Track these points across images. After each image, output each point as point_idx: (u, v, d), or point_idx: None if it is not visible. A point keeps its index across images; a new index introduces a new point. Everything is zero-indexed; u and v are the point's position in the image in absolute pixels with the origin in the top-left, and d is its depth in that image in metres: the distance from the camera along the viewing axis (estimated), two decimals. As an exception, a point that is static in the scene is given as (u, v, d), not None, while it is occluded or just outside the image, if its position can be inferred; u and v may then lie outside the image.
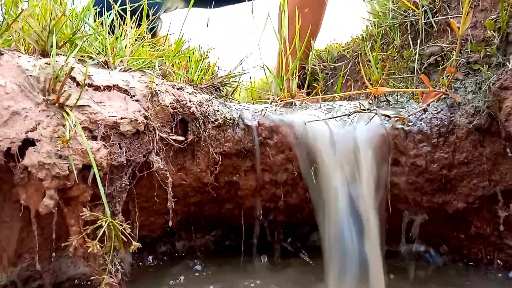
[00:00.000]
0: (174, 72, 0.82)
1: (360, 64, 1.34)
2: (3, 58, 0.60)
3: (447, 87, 0.73)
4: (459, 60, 0.73)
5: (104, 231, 0.55)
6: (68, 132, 0.55)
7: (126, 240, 0.57)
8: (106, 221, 0.54)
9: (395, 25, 1.12)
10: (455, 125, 0.70)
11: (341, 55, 1.69)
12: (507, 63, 0.61)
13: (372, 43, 1.38)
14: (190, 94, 0.76)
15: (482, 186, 0.71)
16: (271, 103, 0.94)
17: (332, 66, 1.65)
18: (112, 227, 0.55)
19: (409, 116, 0.73)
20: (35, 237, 0.62)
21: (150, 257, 0.96)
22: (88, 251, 0.55)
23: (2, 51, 0.61)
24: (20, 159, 0.56)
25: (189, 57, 0.97)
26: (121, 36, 0.78)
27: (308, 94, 1.71)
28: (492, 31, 0.67)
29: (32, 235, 0.70)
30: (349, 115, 0.72)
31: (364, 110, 0.72)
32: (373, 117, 0.70)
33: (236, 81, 1.15)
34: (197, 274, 0.91)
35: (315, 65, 1.88)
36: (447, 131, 0.70)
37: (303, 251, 0.93)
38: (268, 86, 1.86)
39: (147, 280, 0.85)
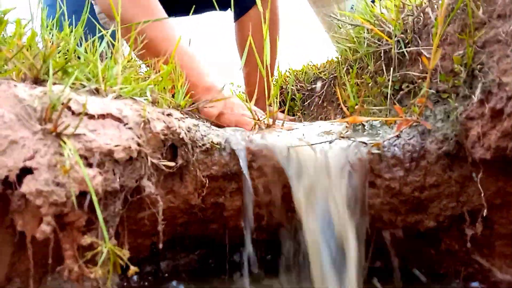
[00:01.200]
0: (162, 97, 0.86)
1: (336, 87, 1.41)
2: (0, 88, 0.63)
3: (418, 115, 0.79)
4: (429, 90, 0.79)
5: (101, 256, 0.57)
6: (67, 161, 0.57)
7: (123, 264, 0.59)
8: (105, 247, 0.57)
9: (369, 52, 1.18)
10: (426, 150, 0.76)
11: (317, 77, 1.75)
12: (473, 96, 0.67)
13: (347, 66, 1.45)
14: (179, 120, 0.79)
15: (451, 206, 0.77)
16: (254, 126, 0.99)
17: (309, 88, 1.71)
18: (110, 253, 0.57)
19: (383, 141, 0.78)
20: (29, 261, 0.64)
21: (135, 277, 0.98)
22: (90, 276, 0.57)
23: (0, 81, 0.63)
24: (17, 186, 0.58)
25: (175, 80, 1.01)
26: (111, 62, 0.81)
27: (287, 112, 1.77)
28: (459, 65, 0.74)
29: (24, 259, 0.72)
30: (330, 142, 0.77)
31: (343, 137, 0.78)
32: (351, 144, 0.76)
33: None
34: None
35: (292, 86, 1.94)
36: (419, 156, 0.76)
37: (287, 269, 0.96)
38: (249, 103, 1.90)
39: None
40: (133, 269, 0.57)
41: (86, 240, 0.59)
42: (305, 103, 1.85)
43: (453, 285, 0.90)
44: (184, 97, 0.98)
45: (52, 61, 0.72)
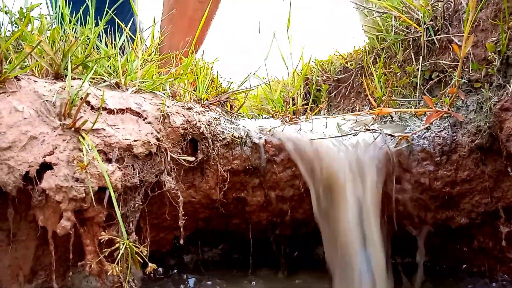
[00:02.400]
0: (183, 89, 0.85)
1: (363, 78, 1.36)
2: (20, 84, 0.63)
3: (449, 106, 0.75)
4: (461, 80, 0.75)
5: (120, 252, 0.57)
6: (85, 157, 0.57)
7: (141, 260, 0.59)
8: (123, 244, 0.56)
9: (397, 41, 1.14)
10: (457, 143, 0.72)
11: (343, 67, 1.71)
12: (508, 85, 0.63)
13: (374, 56, 1.40)
14: (199, 113, 0.78)
15: (484, 202, 0.73)
16: (277, 119, 0.97)
17: (335, 78, 1.67)
18: (129, 249, 0.57)
19: (412, 134, 0.75)
20: (51, 256, 0.64)
21: (161, 269, 0.98)
22: (109, 273, 0.57)
23: (19, 77, 0.63)
24: (38, 182, 0.58)
25: (197, 75, 1.00)
26: (131, 56, 0.80)
27: (305, 105, 1.74)
28: (492, 53, 0.69)
29: (47, 253, 0.72)
30: (355, 134, 0.74)
31: (369, 129, 0.74)
32: (377, 136, 0.72)
33: (241, 96, 1.18)
34: (204, 286, 0.93)
35: (318, 76, 1.90)
36: (450, 150, 0.72)
37: (309, 264, 0.95)
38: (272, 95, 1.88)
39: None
40: (151, 266, 0.57)
41: (104, 237, 0.59)
42: (332, 94, 1.81)
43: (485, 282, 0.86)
44: (207, 90, 0.97)
45: (73, 56, 0.72)
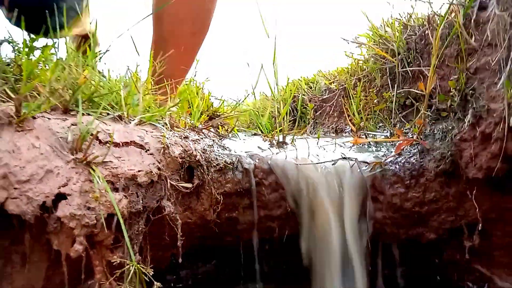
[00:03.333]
0: (180, 120, 0.93)
1: (345, 101, 1.46)
2: (36, 122, 0.70)
3: (418, 135, 0.85)
4: (429, 110, 0.84)
5: (129, 273, 0.64)
6: (97, 187, 0.65)
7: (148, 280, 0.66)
8: (132, 265, 0.64)
9: (376, 69, 1.23)
10: (425, 168, 0.81)
11: (327, 87, 1.81)
12: (465, 119, 0.72)
13: (355, 79, 1.50)
14: (194, 142, 0.86)
15: (449, 220, 0.82)
16: (266, 141, 1.05)
17: (320, 99, 1.76)
18: (136, 269, 0.64)
19: (385, 160, 0.84)
20: (63, 275, 0.72)
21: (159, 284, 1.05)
22: (118, 290, 0.65)
23: (35, 116, 0.71)
24: (54, 211, 0.66)
25: (191, 102, 1.08)
26: (132, 90, 0.88)
27: (294, 120, 1.83)
28: (454, 89, 0.79)
29: (57, 273, 0.79)
30: (334, 163, 0.83)
31: (345, 158, 0.83)
32: (353, 164, 0.81)
33: (232, 116, 1.27)
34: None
35: (304, 95, 2.00)
36: (418, 174, 0.81)
37: (296, 276, 1.03)
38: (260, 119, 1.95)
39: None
40: (156, 284, 0.64)
41: (116, 260, 0.67)
42: (317, 112, 1.91)
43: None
44: (200, 116, 1.06)
45: (80, 93, 0.80)
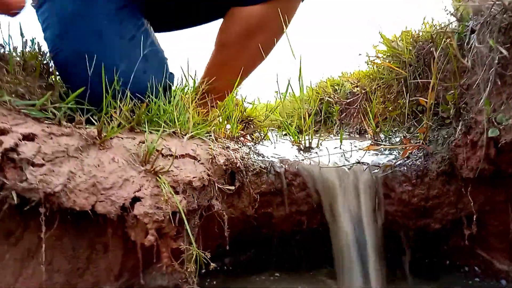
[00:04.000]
0: (220, 131, 1.12)
1: (366, 105, 1.61)
2: (113, 142, 0.91)
3: (423, 140, 1.00)
4: (436, 114, 1.00)
5: (191, 257, 0.83)
6: (164, 192, 0.84)
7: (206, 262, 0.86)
8: (193, 251, 0.83)
9: (392, 78, 1.38)
10: (428, 169, 0.96)
11: (351, 91, 1.96)
12: (458, 129, 0.88)
13: (376, 85, 1.65)
14: (234, 151, 1.05)
15: (451, 212, 0.98)
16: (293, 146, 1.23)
17: (344, 102, 1.91)
18: (197, 254, 0.84)
19: (395, 163, 1.00)
20: (138, 261, 0.92)
21: (203, 270, 1.25)
22: (182, 271, 0.84)
23: (112, 137, 0.91)
24: (131, 210, 0.86)
25: (230, 114, 1.27)
26: (183, 110, 1.08)
27: (320, 121, 1.99)
28: (451, 102, 0.94)
29: (130, 260, 1.00)
30: (350, 167, 0.99)
31: (359, 162, 1.00)
32: (366, 168, 0.98)
33: (264, 125, 1.45)
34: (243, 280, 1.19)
35: (330, 97, 2.16)
36: (423, 174, 0.96)
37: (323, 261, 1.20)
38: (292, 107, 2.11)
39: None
40: (212, 265, 0.83)
41: (178, 246, 0.86)
42: (343, 114, 2.06)
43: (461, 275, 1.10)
44: (237, 127, 1.24)
45: (142, 115, 1.00)
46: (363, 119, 1.58)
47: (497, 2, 0.77)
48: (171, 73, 1.25)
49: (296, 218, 1.13)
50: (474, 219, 0.93)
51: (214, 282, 1.18)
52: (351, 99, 1.94)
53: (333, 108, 2.12)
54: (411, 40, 1.28)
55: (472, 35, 0.80)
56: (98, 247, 0.96)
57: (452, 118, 0.93)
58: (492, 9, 0.78)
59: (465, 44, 0.91)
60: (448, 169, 0.94)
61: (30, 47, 1.20)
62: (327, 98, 2.15)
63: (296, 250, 1.22)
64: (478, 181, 0.90)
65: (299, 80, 1.23)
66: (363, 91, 1.83)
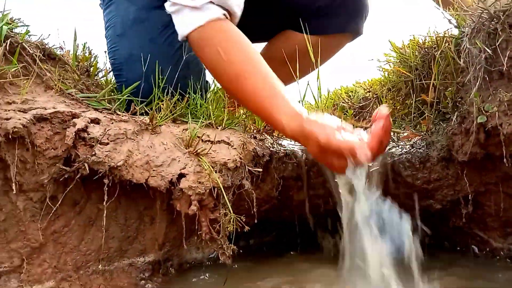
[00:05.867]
0: (250, 126, 1.29)
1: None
2: (162, 128, 1.08)
3: (426, 131, 1.15)
4: (438, 110, 1.15)
5: (229, 219, 1.00)
6: (205, 170, 1.01)
7: (241, 225, 1.02)
8: (231, 216, 1.00)
9: (400, 81, 1.54)
10: (430, 156, 1.11)
11: (364, 96, 2.12)
12: (454, 119, 1.03)
13: (387, 89, 1.80)
14: (260, 141, 1.22)
15: (450, 194, 1.12)
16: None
17: (357, 106, 2.07)
18: (234, 219, 1.00)
19: (402, 152, 1.15)
20: (180, 231, 1.08)
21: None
22: (219, 237, 1.00)
23: (161, 125, 1.09)
24: (177, 184, 1.02)
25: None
26: (216, 105, 1.25)
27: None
28: (449, 97, 1.09)
29: (172, 231, 1.17)
30: (362, 152, 1.14)
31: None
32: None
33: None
34: (266, 264, 1.34)
35: (344, 102, 2.31)
36: (425, 160, 1.12)
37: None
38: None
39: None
40: (246, 228, 1.00)
41: (215, 216, 1.03)
42: (356, 118, 2.22)
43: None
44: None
45: (184, 108, 1.18)
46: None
47: (485, 11, 0.93)
48: (207, 81, 1.43)
49: (314, 201, 1.28)
50: (470, 199, 1.07)
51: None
52: (364, 104, 2.09)
53: (347, 113, 2.27)
54: (417, 47, 1.43)
55: (465, 38, 0.96)
56: (146, 219, 1.14)
57: (450, 111, 1.09)
58: (481, 17, 0.94)
59: (461, 48, 1.07)
60: (447, 155, 1.09)
61: (81, 50, 1.40)
62: (341, 103, 2.31)
63: (314, 230, 1.37)
64: (473, 165, 1.05)
65: (318, 89, 1.39)
66: (375, 96, 1.98)
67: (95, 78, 1.37)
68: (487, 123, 0.90)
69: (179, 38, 1.11)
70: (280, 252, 1.41)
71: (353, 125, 1.01)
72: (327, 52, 1.66)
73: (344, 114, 2.31)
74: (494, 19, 0.92)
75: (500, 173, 1.04)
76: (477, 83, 0.92)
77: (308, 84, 1.43)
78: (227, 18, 1.09)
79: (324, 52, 1.48)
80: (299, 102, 1.49)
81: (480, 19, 0.94)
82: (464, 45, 0.96)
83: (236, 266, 1.24)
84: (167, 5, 1.09)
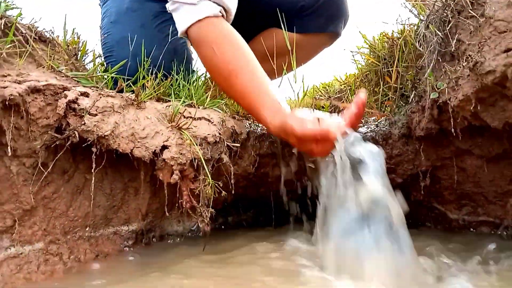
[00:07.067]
0: (227, 106, 1.38)
1: (349, 98, 1.88)
2: (147, 104, 1.17)
3: (389, 112, 1.27)
4: (402, 94, 1.27)
5: (208, 184, 1.09)
6: (188, 142, 1.10)
7: (218, 192, 1.11)
8: (209, 182, 1.09)
9: (371, 70, 1.66)
10: (392, 133, 1.22)
11: (340, 89, 2.23)
12: (411, 98, 1.14)
13: (359, 81, 1.92)
14: (239, 120, 1.31)
15: (410, 168, 1.23)
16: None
17: (334, 98, 2.18)
18: (213, 185, 1.09)
19: (367, 130, 1.26)
20: (161, 204, 1.16)
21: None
22: (197, 205, 1.09)
23: (145, 101, 1.17)
24: (160, 155, 1.11)
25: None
26: (198, 86, 1.34)
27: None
28: (409, 80, 1.21)
29: (155, 203, 1.25)
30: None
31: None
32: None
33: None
34: (243, 236, 1.43)
35: (321, 95, 2.43)
36: (387, 137, 1.23)
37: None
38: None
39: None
40: (224, 193, 1.09)
41: (195, 186, 1.11)
42: (332, 109, 2.33)
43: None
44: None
45: (167, 89, 1.26)
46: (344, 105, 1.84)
47: (438, 0, 1.04)
48: (193, 70, 1.53)
49: (288, 177, 1.38)
50: (428, 173, 1.18)
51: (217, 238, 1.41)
52: (339, 95, 2.21)
53: (324, 108, 2.38)
54: (386, 38, 1.55)
55: (421, 24, 1.07)
56: (131, 190, 1.22)
57: (409, 92, 1.20)
58: (435, 5, 1.05)
59: (418, 33, 1.18)
60: (407, 132, 1.20)
61: (71, 35, 1.47)
62: (318, 96, 2.42)
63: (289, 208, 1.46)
64: (430, 141, 1.16)
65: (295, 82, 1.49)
66: (349, 88, 2.10)
67: (83, 63, 1.44)
68: (439, 98, 1.01)
69: (180, 35, 1.21)
70: (257, 227, 1.51)
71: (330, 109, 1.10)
72: (308, 51, 1.77)
73: (322, 108, 2.43)
74: (446, 7, 1.03)
75: (454, 147, 1.15)
76: (431, 64, 1.03)
77: (288, 80, 1.53)
78: (223, 15, 1.18)
79: (305, 51, 1.60)
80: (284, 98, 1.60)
81: (435, 7, 1.05)
82: (420, 31, 1.07)
83: (215, 239, 1.34)
84: (168, 5, 1.20)
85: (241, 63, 1.12)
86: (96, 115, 1.05)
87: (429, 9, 1.07)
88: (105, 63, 1.43)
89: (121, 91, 1.22)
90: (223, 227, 1.52)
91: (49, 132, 1.02)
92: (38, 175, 1.04)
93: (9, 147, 0.95)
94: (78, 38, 1.48)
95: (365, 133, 1.26)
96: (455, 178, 1.18)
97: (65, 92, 1.04)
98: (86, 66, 1.45)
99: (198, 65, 1.57)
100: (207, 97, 1.31)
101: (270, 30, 1.64)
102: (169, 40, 1.39)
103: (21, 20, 1.25)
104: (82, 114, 1.03)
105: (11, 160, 0.99)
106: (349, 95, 2.08)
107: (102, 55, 1.49)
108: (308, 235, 1.39)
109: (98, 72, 1.30)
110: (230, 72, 1.13)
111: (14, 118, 0.97)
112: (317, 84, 2.68)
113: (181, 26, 1.20)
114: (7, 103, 0.93)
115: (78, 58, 1.40)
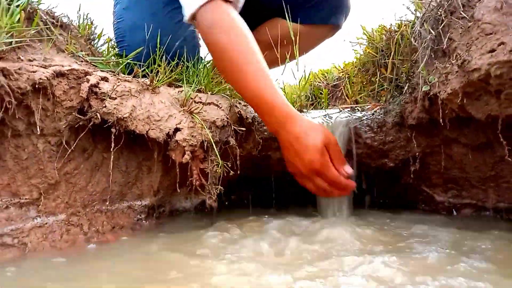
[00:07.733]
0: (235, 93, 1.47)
1: (347, 86, 1.98)
2: (161, 90, 1.26)
3: (384, 102, 1.36)
4: (397, 85, 1.36)
5: (217, 164, 1.19)
6: (199, 125, 1.19)
7: (227, 171, 1.21)
8: (218, 163, 1.19)
9: (369, 60, 1.75)
10: (386, 121, 1.33)
11: (338, 76, 2.32)
12: (405, 89, 1.24)
13: (357, 69, 2.01)
14: (245, 106, 1.40)
15: (402, 154, 1.34)
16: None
17: (332, 85, 2.28)
18: (222, 164, 1.19)
19: (363, 117, 1.36)
20: (173, 182, 1.26)
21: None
22: (206, 184, 1.19)
23: (159, 86, 1.26)
24: (173, 137, 1.20)
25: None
26: (207, 73, 1.43)
27: (312, 104, 2.34)
28: (404, 72, 1.30)
29: (166, 180, 1.35)
30: (330, 123, 1.35)
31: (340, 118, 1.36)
32: (344, 119, 1.34)
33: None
34: (244, 213, 1.54)
35: (319, 82, 2.52)
36: (382, 125, 1.33)
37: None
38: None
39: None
40: (232, 172, 1.19)
41: (204, 166, 1.21)
42: (330, 95, 2.43)
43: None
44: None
45: (178, 75, 1.35)
46: (345, 92, 1.95)
47: (433, 0, 1.13)
48: (201, 57, 1.61)
49: (289, 160, 1.48)
50: (418, 158, 1.29)
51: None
52: (337, 83, 2.30)
53: (322, 94, 2.48)
54: (384, 31, 1.64)
55: (417, 22, 1.16)
56: (144, 168, 1.32)
57: (404, 83, 1.30)
58: (431, 4, 1.14)
59: (414, 30, 1.27)
60: (400, 121, 1.30)
61: (83, 20, 1.55)
62: (317, 83, 2.51)
63: (289, 190, 1.57)
64: (421, 129, 1.27)
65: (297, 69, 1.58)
66: (347, 76, 2.19)
67: (97, 47, 1.52)
68: (430, 91, 1.11)
69: (186, 19, 1.24)
70: (258, 207, 1.62)
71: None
72: (310, 41, 1.85)
73: (320, 93, 2.52)
74: (440, 7, 1.12)
75: (442, 136, 1.26)
76: (425, 60, 1.13)
77: (290, 68, 1.62)
78: (231, 2, 1.23)
79: (307, 41, 1.68)
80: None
81: (430, 7, 1.14)
82: (415, 28, 1.16)
83: (220, 213, 1.45)
84: None
85: (247, 55, 1.16)
86: (115, 98, 1.14)
87: (425, 8, 1.15)
88: (117, 47, 1.51)
89: (134, 75, 1.30)
90: (226, 204, 1.63)
91: (72, 113, 1.11)
92: (61, 153, 1.13)
93: (37, 126, 1.04)
94: (91, 23, 1.56)
95: (361, 120, 1.36)
96: (443, 164, 1.29)
97: (87, 76, 1.13)
98: (98, 50, 1.54)
99: (204, 53, 1.66)
100: (214, 86, 1.40)
101: (275, 20, 1.72)
102: (179, 28, 1.47)
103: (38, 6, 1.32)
104: (103, 97, 1.12)
105: (38, 138, 1.08)
106: (347, 82, 2.18)
107: (114, 39, 1.57)
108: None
109: (113, 57, 1.38)
110: (234, 62, 1.17)
111: (41, 100, 1.05)
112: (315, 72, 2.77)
113: (189, 9, 1.21)
114: (36, 86, 1.02)
115: (93, 43, 1.48)
